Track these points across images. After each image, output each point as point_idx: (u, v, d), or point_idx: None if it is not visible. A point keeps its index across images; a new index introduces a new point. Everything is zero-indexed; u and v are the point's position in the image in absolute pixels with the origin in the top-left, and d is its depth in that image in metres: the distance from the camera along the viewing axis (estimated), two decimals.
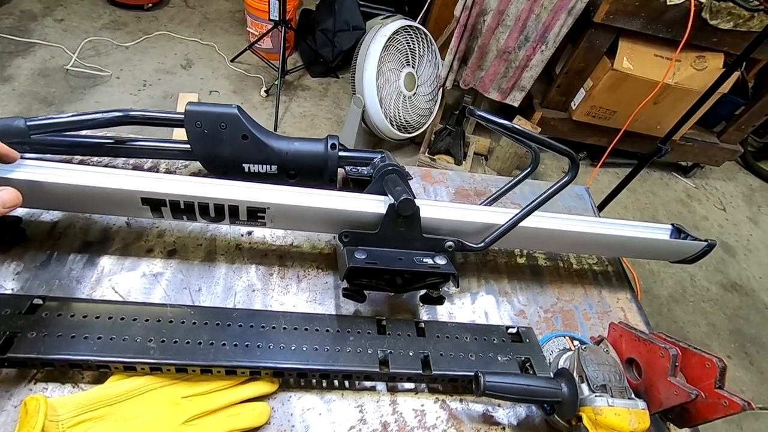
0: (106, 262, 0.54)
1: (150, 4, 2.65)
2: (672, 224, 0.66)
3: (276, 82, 2.38)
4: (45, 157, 0.61)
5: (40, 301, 0.46)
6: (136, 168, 0.65)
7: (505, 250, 0.68)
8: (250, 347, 0.47)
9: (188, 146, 0.60)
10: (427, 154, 2.07)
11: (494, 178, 0.80)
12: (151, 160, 0.66)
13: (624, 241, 0.62)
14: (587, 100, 2.11)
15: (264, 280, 0.57)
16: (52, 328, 0.44)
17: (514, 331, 0.56)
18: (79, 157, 0.63)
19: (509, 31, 1.85)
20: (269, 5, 2.09)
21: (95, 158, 0.64)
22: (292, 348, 0.47)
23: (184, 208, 0.50)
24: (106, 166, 0.64)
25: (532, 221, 0.57)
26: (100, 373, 0.45)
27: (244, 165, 0.62)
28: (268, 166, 0.62)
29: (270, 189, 0.52)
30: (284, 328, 0.49)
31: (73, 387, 0.44)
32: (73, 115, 0.54)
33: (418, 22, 2.12)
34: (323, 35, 2.54)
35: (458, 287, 0.52)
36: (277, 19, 2.12)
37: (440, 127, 2.14)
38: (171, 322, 0.47)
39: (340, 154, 0.63)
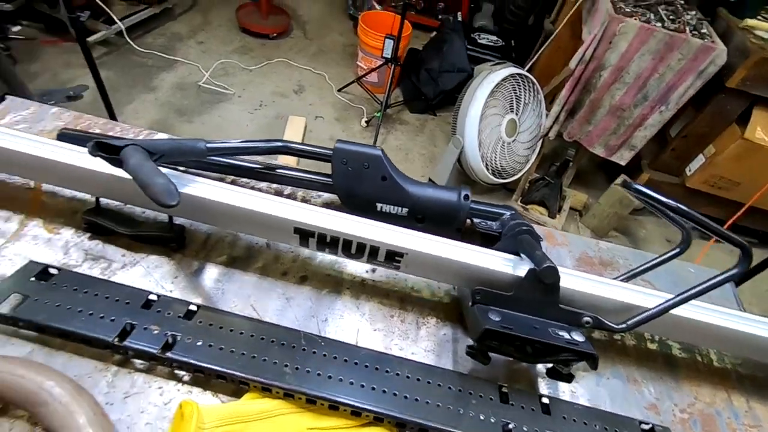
0: (248, 279, 0.58)
1: (275, 34, 2.94)
2: None
3: (377, 114, 2.49)
4: (202, 174, 0.68)
5: (195, 308, 0.51)
6: (277, 193, 0.70)
7: (635, 331, 0.62)
8: (375, 391, 0.47)
9: (329, 180, 0.64)
10: (520, 203, 2.02)
11: (621, 249, 0.75)
12: (290, 187, 0.71)
13: None
14: (707, 167, 1.94)
15: (385, 321, 0.57)
16: (205, 337, 0.48)
17: (648, 427, 0.51)
18: (231, 177, 0.70)
19: (627, 88, 1.78)
20: (384, 44, 2.22)
21: (243, 179, 0.70)
22: (416, 399, 0.47)
23: (329, 242, 0.53)
24: (251, 188, 0.70)
25: (677, 309, 0.53)
26: (239, 388, 0.47)
27: (377, 204, 0.64)
28: (400, 208, 0.64)
29: (411, 235, 0.53)
30: (407, 377, 0.49)
31: (213, 396, 0.47)
32: (242, 142, 0.60)
33: (526, 70, 2.11)
34: (427, 74, 2.63)
35: (596, 370, 0.49)
36: (390, 56, 2.24)
37: (536, 177, 2.09)
38: (304, 350, 0.49)
39: (471, 205, 0.63)
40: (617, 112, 1.85)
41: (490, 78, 1.92)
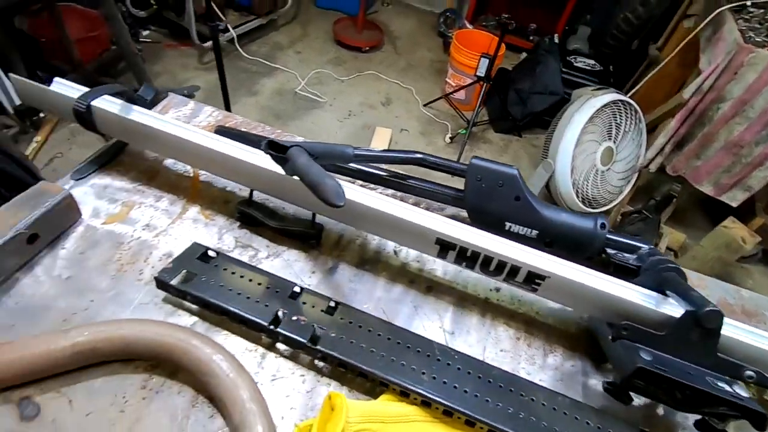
0: (377, 282, 0.60)
1: (367, 48, 3.05)
2: None
3: (461, 131, 2.49)
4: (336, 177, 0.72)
5: (334, 305, 0.53)
6: (402, 201, 0.72)
7: None
8: (512, 413, 0.46)
9: (460, 194, 0.65)
10: None
11: (765, 300, 0.68)
12: (413, 196, 0.73)
13: None
14: None
15: (512, 342, 0.56)
16: (347, 333, 0.50)
17: None
18: (360, 182, 0.73)
19: (749, 123, 1.62)
20: (479, 63, 2.22)
21: (371, 185, 0.73)
22: (555, 430, 0.45)
23: (469, 257, 0.53)
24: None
25: None
26: (376, 388, 0.48)
27: (506, 223, 0.63)
28: (529, 230, 0.63)
29: (555, 260, 0.52)
30: (543, 405, 0.48)
31: (349, 392, 0.49)
32: (383, 151, 0.63)
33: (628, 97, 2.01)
34: (515, 94, 2.58)
35: None
36: (483, 75, 2.23)
37: (630, 210, 1.96)
38: (439, 360, 0.49)
39: (607, 235, 0.61)
40: (734, 149, 1.70)
41: (591, 103, 1.84)
